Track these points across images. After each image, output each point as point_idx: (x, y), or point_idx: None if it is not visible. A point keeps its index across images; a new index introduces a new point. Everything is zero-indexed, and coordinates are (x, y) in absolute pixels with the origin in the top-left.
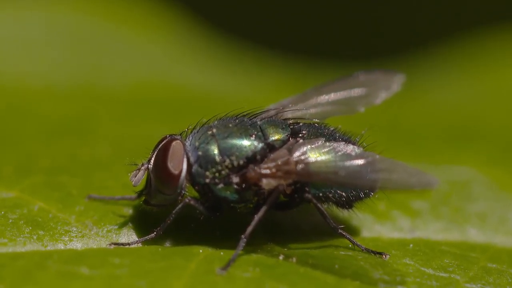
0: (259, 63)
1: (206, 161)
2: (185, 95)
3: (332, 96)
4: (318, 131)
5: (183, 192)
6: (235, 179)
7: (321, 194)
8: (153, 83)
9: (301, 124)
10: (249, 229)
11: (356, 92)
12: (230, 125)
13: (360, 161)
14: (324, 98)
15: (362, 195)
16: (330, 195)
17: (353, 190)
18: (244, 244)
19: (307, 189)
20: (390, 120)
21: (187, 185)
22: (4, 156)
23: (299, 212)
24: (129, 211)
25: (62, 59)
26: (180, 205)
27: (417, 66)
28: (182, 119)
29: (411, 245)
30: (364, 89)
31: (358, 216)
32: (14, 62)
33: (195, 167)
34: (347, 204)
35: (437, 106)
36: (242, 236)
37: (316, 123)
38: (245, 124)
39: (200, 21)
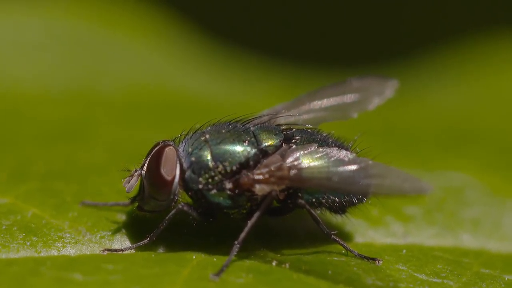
0: (253, 68)
1: (199, 167)
2: (180, 99)
3: (325, 102)
4: (311, 137)
5: (176, 198)
6: (228, 185)
7: (314, 200)
8: (149, 88)
9: (294, 130)
10: (242, 235)
11: (349, 98)
12: (223, 131)
13: (353, 167)
14: (317, 104)
15: (355, 200)
16: (323, 200)
17: (346, 195)
18: (237, 250)
19: (300, 194)
20: (384, 126)
21: (180, 191)
22: None
23: (292, 218)
24: (122, 217)
25: (57, 64)
26: (173, 211)
27: (412, 71)
28: (177, 124)
29: (404, 251)
30: (357, 95)
31: (351, 222)
32: (10, 66)
33: (188, 173)
34: (340, 209)
35: (431, 111)
36: (235, 242)
37: (309, 129)
38: (238, 130)
39: (195, 27)
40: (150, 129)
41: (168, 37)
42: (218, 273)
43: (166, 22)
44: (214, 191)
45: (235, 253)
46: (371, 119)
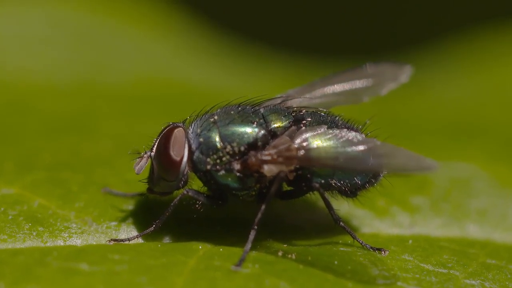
0: (261, 60)
1: (207, 147)
2: (187, 91)
3: (338, 86)
4: (321, 119)
5: (184, 178)
6: (236, 166)
7: (323, 181)
8: (155, 79)
9: (304, 112)
10: (258, 217)
11: (363, 82)
12: (232, 113)
13: (360, 147)
14: (330, 88)
15: (365, 182)
16: (333, 182)
17: (355, 177)
18: (255, 234)
19: (309, 176)
20: (391, 116)
21: (190, 172)
22: (5, 152)
23: (298, 209)
24: (128, 207)
25: (63, 56)
26: (178, 197)
27: (419, 62)
28: (184, 116)
29: (410, 241)
30: (371, 79)
31: (357, 212)
32: (16, 58)
33: (196, 154)
34: (351, 192)
35: (438, 102)
36: (253, 226)
37: (319, 111)
38: (247, 111)
39: (201, 18)
40: (157, 121)
41: (174, 29)
42: (239, 262)
43: (172, 13)
44: (222, 172)
45: (253, 238)
46: (379, 109)
